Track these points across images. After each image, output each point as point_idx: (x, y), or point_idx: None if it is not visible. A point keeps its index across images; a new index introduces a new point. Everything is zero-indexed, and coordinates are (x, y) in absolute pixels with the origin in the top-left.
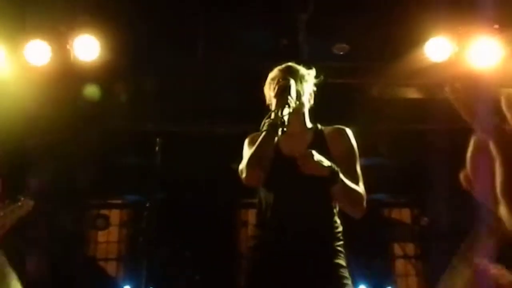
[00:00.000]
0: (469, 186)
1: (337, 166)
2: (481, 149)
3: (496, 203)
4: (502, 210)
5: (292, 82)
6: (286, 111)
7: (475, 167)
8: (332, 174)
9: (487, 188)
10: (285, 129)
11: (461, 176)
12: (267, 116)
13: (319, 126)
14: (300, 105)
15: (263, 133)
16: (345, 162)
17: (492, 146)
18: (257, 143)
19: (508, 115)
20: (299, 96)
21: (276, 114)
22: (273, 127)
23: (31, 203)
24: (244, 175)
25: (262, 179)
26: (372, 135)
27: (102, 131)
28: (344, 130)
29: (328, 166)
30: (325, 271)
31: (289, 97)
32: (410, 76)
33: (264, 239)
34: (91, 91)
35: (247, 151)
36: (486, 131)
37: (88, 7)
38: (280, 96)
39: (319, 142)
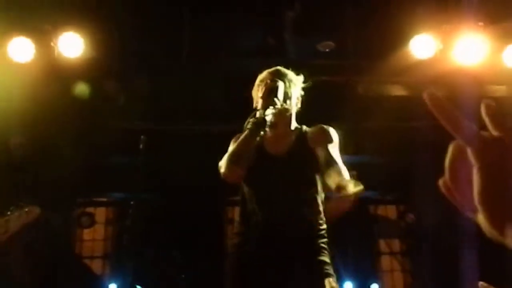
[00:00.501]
0: (449, 194)
1: (320, 160)
2: (460, 156)
3: (475, 211)
4: (480, 218)
5: (280, 84)
6: (269, 111)
7: (454, 174)
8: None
9: (466, 196)
10: (267, 128)
11: (440, 183)
12: (251, 115)
13: (303, 127)
14: (287, 107)
15: (246, 131)
16: (327, 155)
17: (470, 153)
18: (239, 140)
19: (488, 123)
20: (286, 98)
21: (260, 114)
22: (256, 126)
23: (37, 210)
24: (222, 170)
25: (241, 176)
26: (358, 132)
27: (87, 129)
28: (325, 127)
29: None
30: (309, 268)
31: (275, 99)
32: (396, 74)
33: (247, 236)
34: (76, 88)
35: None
36: (465, 139)
37: (72, 4)
38: (266, 96)
39: (301, 143)
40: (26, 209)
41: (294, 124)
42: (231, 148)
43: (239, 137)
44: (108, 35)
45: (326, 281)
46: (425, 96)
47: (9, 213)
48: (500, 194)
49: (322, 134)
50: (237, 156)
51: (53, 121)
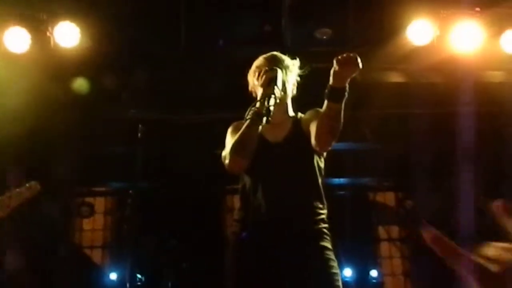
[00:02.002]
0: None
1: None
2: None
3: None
4: None
5: (279, 72)
6: (272, 101)
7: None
8: (344, 90)
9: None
10: (270, 118)
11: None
12: (252, 105)
13: (299, 114)
14: (284, 94)
15: (247, 121)
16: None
17: (472, 283)
18: (241, 131)
19: (507, 225)
20: (283, 85)
21: (261, 103)
22: (258, 116)
23: (38, 186)
24: (227, 161)
25: (245, 167)
26: (356, 119)
27: (85, 119)
28: (320, 110)
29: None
30: (311, 254)
31: (275, 87)
32: (394, 61)
33: (246, 223)
34: (73, 79)
35: (230, 139)
36: (467, 270)
37: None
38: (267, 86)
39: (297, 129)
40: (27, 185)
41: (290, 111)
42: (230, 137)
43: (236, 125)
44: (105, 25)
45: (327, 266)
46: (425, 235)
47: (11, 188)
48: None
49: (316, 115)
50: (241, 148)
51: (50, 111)
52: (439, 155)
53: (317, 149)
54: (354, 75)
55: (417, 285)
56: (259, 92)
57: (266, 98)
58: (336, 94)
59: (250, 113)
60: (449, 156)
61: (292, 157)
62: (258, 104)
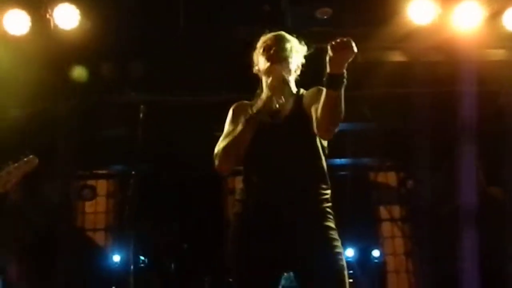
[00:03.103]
0: None
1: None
2: None
3: None
4: None
5: (291, 80)
6: (278, 104)
7: None
8: (342, 76)
9: None
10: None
11: None
12: (255, 100)
13: (301, 91)
14: (287, 72)
15: (243, 125)
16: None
17: None
18: (238, 131)
19: None
20: (288, 62)
21: (266, 104)
22: (255, 121)
23: (36, 160)
24: (217, 163)
25: (233, 169)
26: (357, 99)
27: (85, 102)
28: (321, 88)
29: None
30: (314, 233)
31: (282, 97)
32: (395, 40)
33: (247, 203)
34: (73, 62)
35: (227, 128)
36: None
37: None
38: (275, 87)
39: (299, 107)
40: (25, 159)
41: (293, 88)
42: (227, 126)
43: (238, 107)
44: (105, 7)
45: (331, 246)
46: None
47: (9, 164)
48: None
49: (318, 94)
50: (232, 153)
51: (50, 95)
52: (440, 134)
53: (319, 136)
54: (350, 59)
55: (419, 264)
56: (265, 90)
57: (272, 101)
58: (334, 81)
59: (253, 110)
60: (450, 135)
61: (293, 138)
62: (260, 103)
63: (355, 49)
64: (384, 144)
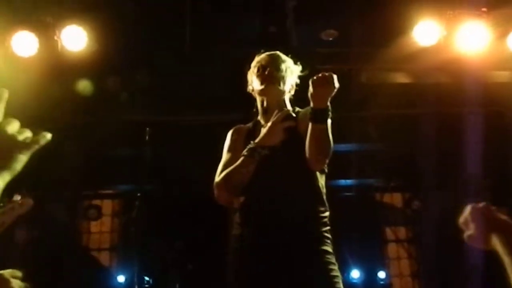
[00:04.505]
0: None
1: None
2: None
3: None
4: None
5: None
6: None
7: None
8: (326, 110)
9: None
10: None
11: None
12: (252, 123)
13: (296, 109)
14: (281, 92)
15: (243, 158)
16: None
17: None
18: (235, 167)
19: None
20: (282, 82)
21: (259, 144)
22: (255, 153)
23: (30, 201)
24: (217, 192)
25: (233, 199)
26: (362, 120)
27: (92, 122)
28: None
29: (328, 105)
30: (310, 258)
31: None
32: (400, 61)
33: (244, 227)
34: (80, 82)
35: (224, 157)
36: None
37: None
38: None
39: (294, 130)
40: (20, 201)
41: (288, 107)
42: (225, 155)
43: (235, 132)
44: (111, 27)
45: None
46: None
47: (2, 205)
48: None
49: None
50: (237, 184)
51: (57, 114)
52: (445, 155)
53: (310, 167)
54: (332, 94)
55: (425, 286)
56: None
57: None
58: (318, 115)
59: (247, 149)
60: (455, 156)
61: (290, 159)
62: (260, 138)
63: (336, 85)
64: (389, 165)
